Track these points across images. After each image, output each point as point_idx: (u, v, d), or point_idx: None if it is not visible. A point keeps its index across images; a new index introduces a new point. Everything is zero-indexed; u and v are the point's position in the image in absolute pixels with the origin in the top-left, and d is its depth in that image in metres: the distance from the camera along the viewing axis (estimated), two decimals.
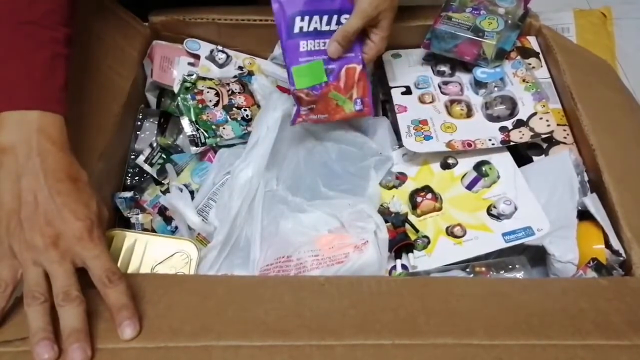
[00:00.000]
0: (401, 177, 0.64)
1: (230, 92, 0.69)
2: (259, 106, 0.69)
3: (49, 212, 0.42)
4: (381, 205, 0.61)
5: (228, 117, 0.66)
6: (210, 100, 0.67)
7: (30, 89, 0.45)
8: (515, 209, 0.57)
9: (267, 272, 0.54)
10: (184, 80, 0.67)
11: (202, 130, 0.64)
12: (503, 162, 0.61)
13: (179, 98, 0.66)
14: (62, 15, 0.49)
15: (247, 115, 0.67)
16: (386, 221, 0.58)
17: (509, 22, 0.68)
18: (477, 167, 0.62)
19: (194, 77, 0.68)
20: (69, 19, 0.50)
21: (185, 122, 0.65)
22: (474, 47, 0.67)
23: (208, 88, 0.68)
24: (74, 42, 0.50)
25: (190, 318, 0.42)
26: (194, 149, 0.64)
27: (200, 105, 0.66)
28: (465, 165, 0.62)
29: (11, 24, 0.46)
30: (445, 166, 0.63)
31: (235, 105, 0.68)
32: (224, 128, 0.65)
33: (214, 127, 0.65)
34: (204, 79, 0.69)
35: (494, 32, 0.66)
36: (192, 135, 0.64)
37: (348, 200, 0.57)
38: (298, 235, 0.55)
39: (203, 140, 0.64)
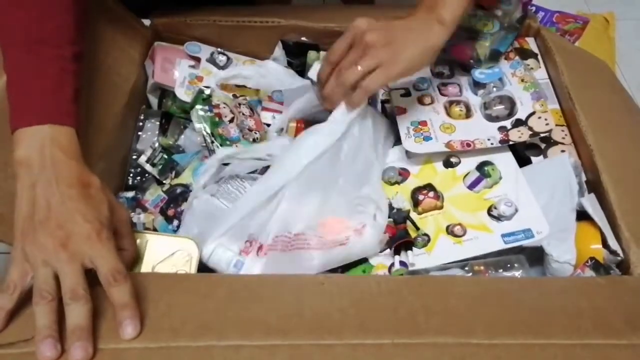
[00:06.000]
0: (404, 173, 0.64)
1: (241, 113, 0.69)
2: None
3: (61, 216, 0.44)
4: None
5: (241, 135, 0.67)
6: (226, 116, 0.67)
7: (41, 105, 0.48)
8: (516, 210, 0.57)
9: (274, 246, 0.55)
10: (200, 92, 0.68)
11: (217, 144, 0.65)
12: (505, 163, 0.62)
13: (195, 107, 0.67)
14: (69, 33, 0.51)
15: (257, 138, 0.68)
16: (388, 217, 0.59)
17: (505, 24, 0.68)
18: (480, 167, 0.62)
19: (208, 91, 0.69)
20: (77, 37, 0.52)
21: (199, 128, 0.66)
22: (467, 47, 0.67)
23: (224, 104, 0.68)
24: (83, 58, 0.53)
25: (191, 317, 0.42)
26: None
27: (216, 119, 0.67)
28: (468, 164, 0.63)
29: (23, 45, 0.49)
30: (448, 164, 0.63)
31: (247, 127, 0.68)
32: (236, 146, 0.66)
33: (228, 142, 0.66)
34: (219, 94, 0.70)
35: (488, 34, 0.67)
36: (207, 146, 0.65)
37: (352, 187, 0.58)
38: (303, 217, 0.56)
39: None
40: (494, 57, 0.68)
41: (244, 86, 0.73)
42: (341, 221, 0.57)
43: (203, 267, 0.55)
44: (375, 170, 0.62)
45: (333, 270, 0.57)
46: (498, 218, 0.58)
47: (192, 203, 0.60)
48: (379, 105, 0.74)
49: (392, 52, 0.55)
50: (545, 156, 0.63)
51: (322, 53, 0.74)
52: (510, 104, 0.65)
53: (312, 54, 0.75)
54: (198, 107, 0.67)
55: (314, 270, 0.55)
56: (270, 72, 0.72)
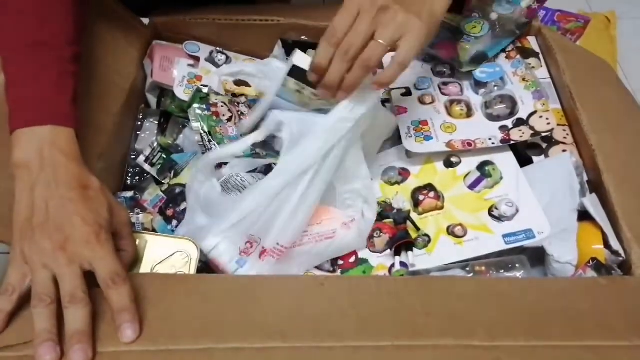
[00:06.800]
0: (404, 173, 0.64)
1: (239, 112, 0.69)
2: None
3: (60, 219, 0.44)
4: (384, 202, 0.61)
5: (239, 134, 0.66)
6: (224, 115, 0.67)
7: (40, 106, 0.48)
8: (517, 211, 0.57)
9: (274, 253, 0.54)
10: (198, 90, 0.68)
11: (215, 143, 0.64)
12: (506, 163, 0.61)
13: (193, 106, 0.66)
14: (68, 35, 0.51)
15: None
16: (388, 217, 0.59)
17: (497, 28, 0.67)
18: (481, 167, 0.61)
19: (206, 90, 0.68)
20: (76, 37, 0.52)
21: (196, 127, 0.65)
22: (451, 47, 0.67)
23: (222, 102, 0.68)
24: (82, 58, 0.53)
25: (191, 320, 0.42)
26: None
27: (214, 118, 0.66)
28: (469, 164, 0.62)
29: (23, 46, 0.49)
30: (449, 164, 0.63)
31: None
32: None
33: (226, 141, 0.65)
34: (216, 93, 0.69)
35: (472, 37, 0.66)
36: (204, 145, 0.65)
37: (341, 182, 0.58)
38: (303, 224, 0.55)
39: None
40: (478, 60, 0.68)
41: (243, 85, 0.72)
42: (327, 211, 0.56)
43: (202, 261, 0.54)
44: (364, 166, 0.60)
45: (333, 272, 0.57)
46: (499, 218, 0.58)
47: (198, 191, 0.59)
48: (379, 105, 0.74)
49: (414, 11, 0.47)
50: (546, 156, 0.63)
51: None
52: (512, 103, 0.65)
53: (311, 53, 0.75)
54: (195, 105, 0.66)
55: (305, 265, 0.55)
56: (274, 71, 0.71)
